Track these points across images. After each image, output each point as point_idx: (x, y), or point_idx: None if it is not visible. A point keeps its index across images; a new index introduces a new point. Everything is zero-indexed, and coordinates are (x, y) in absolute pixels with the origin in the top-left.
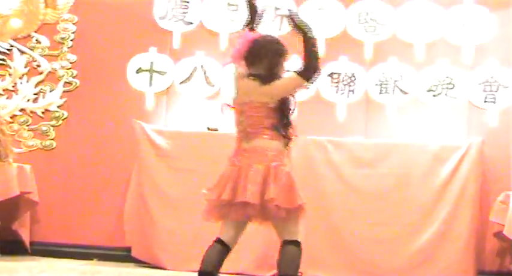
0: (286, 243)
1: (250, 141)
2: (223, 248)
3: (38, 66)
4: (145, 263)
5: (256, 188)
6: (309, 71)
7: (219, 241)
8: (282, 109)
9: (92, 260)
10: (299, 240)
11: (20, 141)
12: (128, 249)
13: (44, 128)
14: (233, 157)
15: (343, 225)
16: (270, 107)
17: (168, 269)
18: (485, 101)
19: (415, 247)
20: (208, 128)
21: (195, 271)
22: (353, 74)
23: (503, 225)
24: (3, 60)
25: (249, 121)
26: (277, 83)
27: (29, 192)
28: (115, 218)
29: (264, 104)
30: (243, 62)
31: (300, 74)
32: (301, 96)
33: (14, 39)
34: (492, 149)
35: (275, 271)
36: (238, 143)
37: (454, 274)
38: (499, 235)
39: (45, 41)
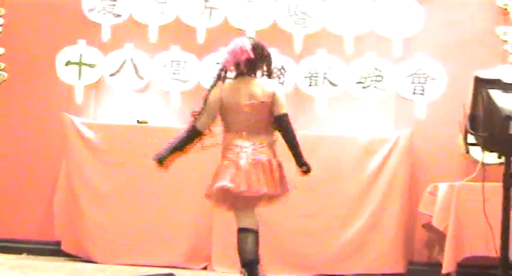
0: (248, 230)
1: (252, 137)
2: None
3: None
4: (75, 256)
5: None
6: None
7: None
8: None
9: (21, 254)
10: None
11: None
12: (58, 243)
13: None
14: (233, 152)
15: (273, 218)
16: (270, 107)
17: (98, 263)
18: (413, 93)
19: (345, 239)
20: (138, 121)
21: (124, 264)
22: (282, 67)
23: (432, 216)
24: None
25: (254, 120)
26: (279, 95)
27: None
28: (44, 212)
29: (270, 104)
30: (241, 67)
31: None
32: None
33: None
34: (421, 141)
35: (206, 264)
36: (234, 138)
37: (384, 265)
38: (427, 226)
39: None
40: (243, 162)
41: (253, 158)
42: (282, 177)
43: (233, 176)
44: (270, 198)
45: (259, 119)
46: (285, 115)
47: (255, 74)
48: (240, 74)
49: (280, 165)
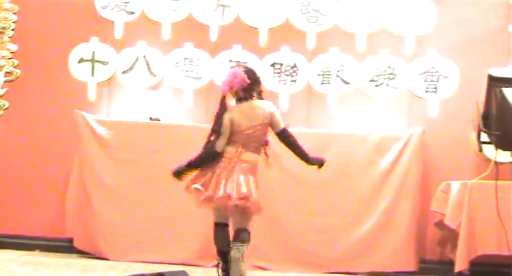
0: (240, 230)
1: (249, 153)
2: (224, 227)
3: None
4: (87, 253)
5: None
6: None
7: (218, 224)
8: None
9: (34, 250)
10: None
11: None
12: (70, 240)
13: None
14: (229, 163)
15: (284, 216)
16: (268, 126)
17: (110, 260)
18: (426, 91)
19: (357, 237)
20: (151, 118)
21: (136, 261)
22: (295, 64)
23: (444, 215)
24: None
25: (254, 139)
26: (276, 113)
27: None
28: (57, 208)
29: (268, 123)
30: (236, 91)
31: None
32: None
33: None
34: (433, 139)
35: (216, 262)
36: (236, 152)
37: (396, 263)
38: (440, 224)
39: None
40: (224, 174)
41: (234, 172)
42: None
43: (212, 184)
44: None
45: (256, 140)
46: (286, 129)
47: (252, 97)
48: (241, 99)
49: (253, 182)
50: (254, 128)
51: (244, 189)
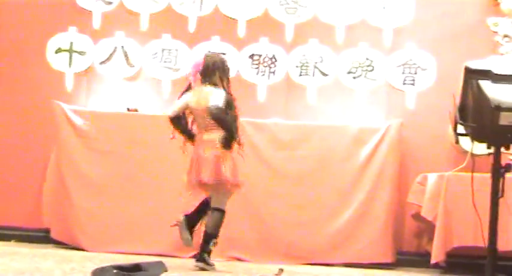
0: (214, 209)
1: (209, 134)
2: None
3: None
4: (64, 244)
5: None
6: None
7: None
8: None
9: (10, 241)
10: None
11: None
12: (47, 231)
13: None
14: (196, 146)
15: (263, 207)
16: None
17: (88, 251)
18: (404, 83)
19: (334, 229)
20: (128, 109)
21: (113, 252)
22: (274, 56)
23: (421, 206)
24: None
25: (206, 121)
26: (213, 96)
27: None
28: (34, 199)
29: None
30: (199, 75)
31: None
32: None
33: None
34: (410, 131)
35: (195, 252)
36: (197, 138)
37: (373, 255)
38: (416, 216)
39: None
40: (195, 157)
41: (202, 154)
42: (232, 169)
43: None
44: (214, 185)
45: (210, 121)
46: (215, 107)
47: (210, 82)
48: (201, 83)
49: (225, 158)
50: (200, 111)
51: (218, 171)
